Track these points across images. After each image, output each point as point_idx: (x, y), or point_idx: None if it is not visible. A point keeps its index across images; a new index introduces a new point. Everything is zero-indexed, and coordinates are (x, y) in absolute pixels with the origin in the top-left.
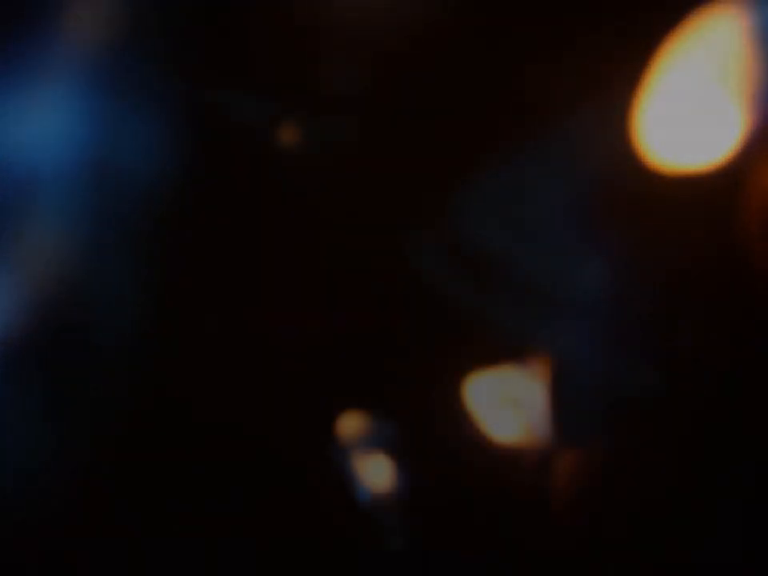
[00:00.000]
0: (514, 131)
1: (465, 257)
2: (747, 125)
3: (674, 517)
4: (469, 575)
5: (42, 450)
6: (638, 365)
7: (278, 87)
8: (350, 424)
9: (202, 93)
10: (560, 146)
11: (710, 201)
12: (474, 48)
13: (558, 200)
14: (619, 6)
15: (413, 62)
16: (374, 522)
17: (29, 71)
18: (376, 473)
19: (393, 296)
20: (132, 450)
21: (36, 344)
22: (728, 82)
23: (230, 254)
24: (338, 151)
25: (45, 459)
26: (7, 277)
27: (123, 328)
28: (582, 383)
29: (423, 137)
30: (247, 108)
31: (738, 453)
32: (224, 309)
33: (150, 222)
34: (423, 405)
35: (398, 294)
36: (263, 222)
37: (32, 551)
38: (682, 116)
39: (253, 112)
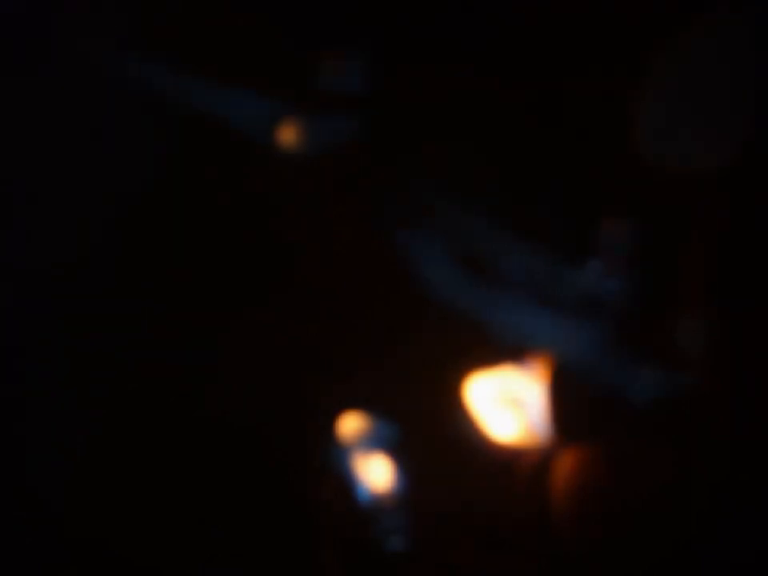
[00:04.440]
0: (513, 132)
1: (465, 257)
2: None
3: (674, 517)
4: (468, 575)
5: (51, 444)
6: (638, 365)
7: (277, 87)
8: (350, 424)
9: (202, 92)
10: (560, 146)
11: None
12: (474, 48)
13: (558, 200)
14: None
15: (413, 61)
16: (374, 522)
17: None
18: (376, 473)
19: (393, 296)
20: (131, 448)
21: (38, 340)
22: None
23: (230, 253)
24: (338, 151)
25: (53, 452)
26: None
27: (124, 323)
28: (582, 383)
29: (422, 136)
30: (246, 107)
31: (738, 453)
32: (222, 308)
33: (148, 220)
34: (423, 405)
35: (397, 294)
36: (263, 221)
37: (31, 544)
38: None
39: (253, 112)
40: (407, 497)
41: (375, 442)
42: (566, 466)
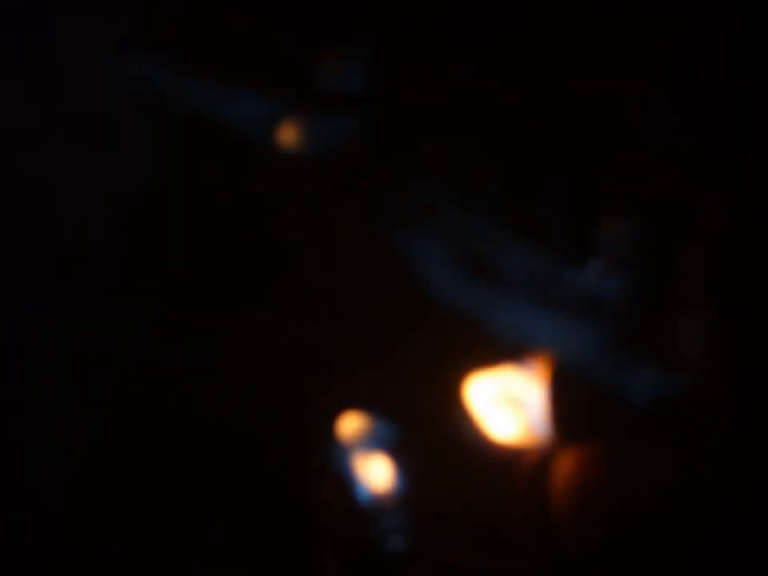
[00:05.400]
0: (513, 132)
1: (465, 257)
2: None
3: (674, 517)
4: (468, 575)
5: (51, 443)
6: (638, 365)
7: (277, 87)
8: (350, 424)
9: (202, 92)
10: (560, 146)
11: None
12: (474, 48)
13: (558, 200)
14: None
15: (413, 61)
16: (374, 522)
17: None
18: (376, 473)
19: (393, 296)
20: (131, 448)
21: (38, 340)
22: None
23: (230, 253)
24: (338, 151)
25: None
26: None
27: (124, 323)
28: (582, 383)
29: (422, 136)
30: (246, 107)
31: (738, 453)
32: (222, 308)
33: (148, 220)
34: (423, 405)
35: (397, 294)
36: (263, 221)
37: (31, 544)
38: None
39: (253, 112)
40: (407, 497)
41: (375, 441)
42: (565, 465)
